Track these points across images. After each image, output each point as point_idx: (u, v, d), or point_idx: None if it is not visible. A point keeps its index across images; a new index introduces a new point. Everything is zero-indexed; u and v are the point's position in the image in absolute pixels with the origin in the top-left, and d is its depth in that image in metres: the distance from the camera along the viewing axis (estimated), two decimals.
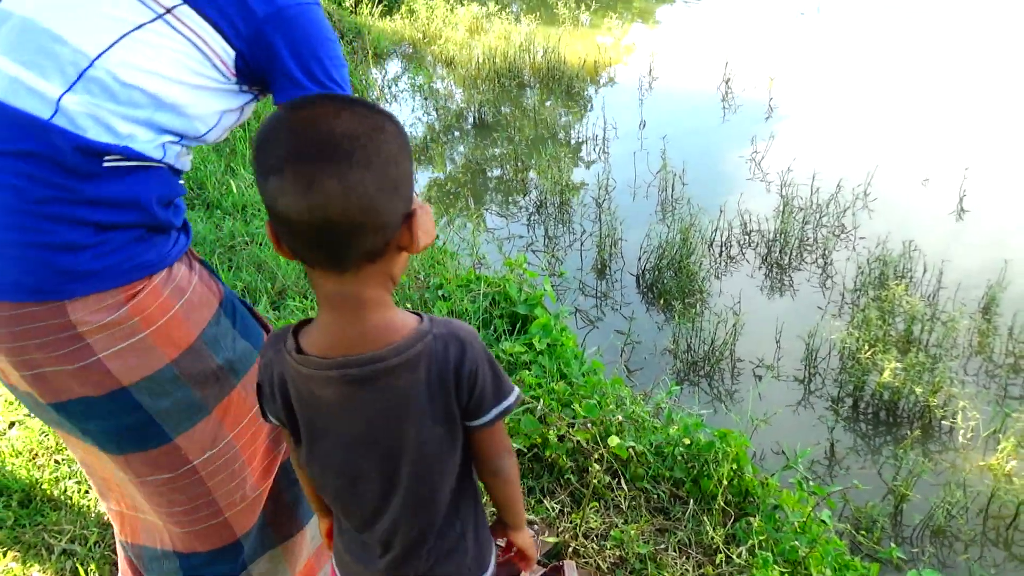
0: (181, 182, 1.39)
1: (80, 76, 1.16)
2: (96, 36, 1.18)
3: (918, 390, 3.66)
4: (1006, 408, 3.61)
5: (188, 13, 1.21)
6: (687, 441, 2.35)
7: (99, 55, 1.17)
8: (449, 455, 1.12)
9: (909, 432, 3.60)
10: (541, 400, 2.48)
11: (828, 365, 4.05)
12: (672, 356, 4.14)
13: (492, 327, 2.93)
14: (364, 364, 1.03)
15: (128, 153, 1.20)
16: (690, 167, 5.72)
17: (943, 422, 3.65)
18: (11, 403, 2.63)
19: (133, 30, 1.19)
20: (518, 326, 2.95)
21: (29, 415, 2.56)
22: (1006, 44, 8.25)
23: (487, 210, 5.60)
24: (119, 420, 1.30)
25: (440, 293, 3.15)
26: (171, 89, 1.22)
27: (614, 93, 7.32)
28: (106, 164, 1.18)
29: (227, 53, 1.25)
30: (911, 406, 3.72)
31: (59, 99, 1.15)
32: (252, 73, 1.29)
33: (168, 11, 1.20)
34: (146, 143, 1.23)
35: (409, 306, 3.24)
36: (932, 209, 5.32)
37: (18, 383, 1.29)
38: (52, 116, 1.15)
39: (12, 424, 2.55)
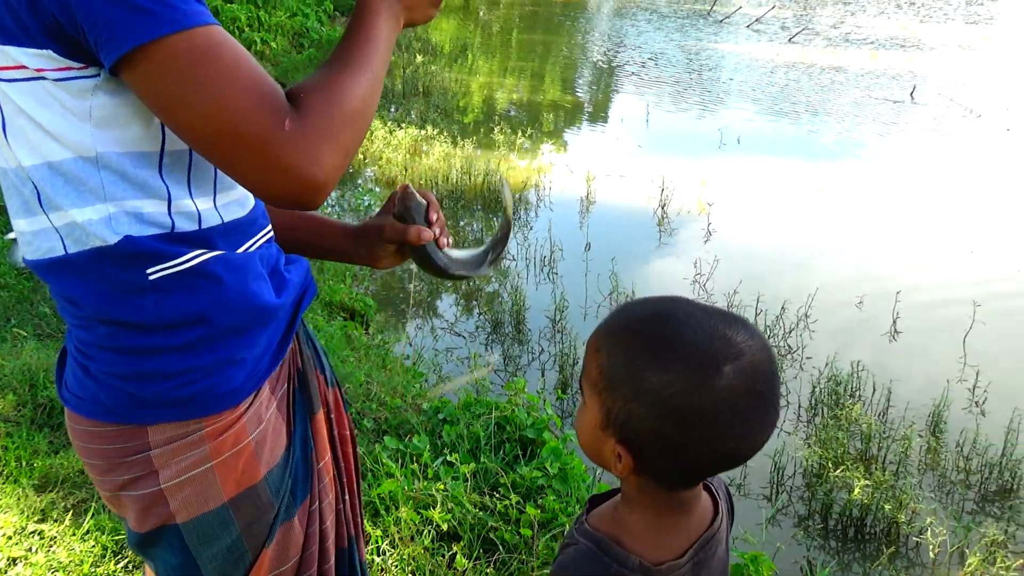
0: (263, 237, 1.20)
1: (38, 194, 1.02)
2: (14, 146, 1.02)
3: (887, 507, 3.81)
4: (969, 524, 3.79)
5: None
6: None
7: (19, 161, 1.02)
8: None
9: (883, 549, 3.73)
10: (566, 525, 2.52)
11: (794, 483, 4.19)
12: None
13: (502, 451, 2.97)
14: (706, 543, 1.05)
15: (138, 246, 1.03)
16: (638, 288, 5.94)
17: (911, 538, 3.80)
18: (9, 537, 2.51)
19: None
20: (528, 450, 2.99)
21: (32, 551, 2.45)
22: (922, 167, 8.94)
23: (444, 330, 5.66)
24: (166, 561, 1.18)
25: (441, 416, 3.18)
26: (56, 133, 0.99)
27: (556, 216, 7.56)
28: (152, 276, 1.04)
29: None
30: (878, 523, 3.87)
31: (52, 225, 1.03)
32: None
33: None
34: (129, 216, 1.03)
35: (409, 429, 3.24)
36: (868, 330, 5.63)
37: (108, 504, 1.21)
38: (64, 245, 1.04)
39: (14, 560, 2.42)
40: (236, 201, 1.15)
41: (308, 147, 0.93)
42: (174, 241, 1.06)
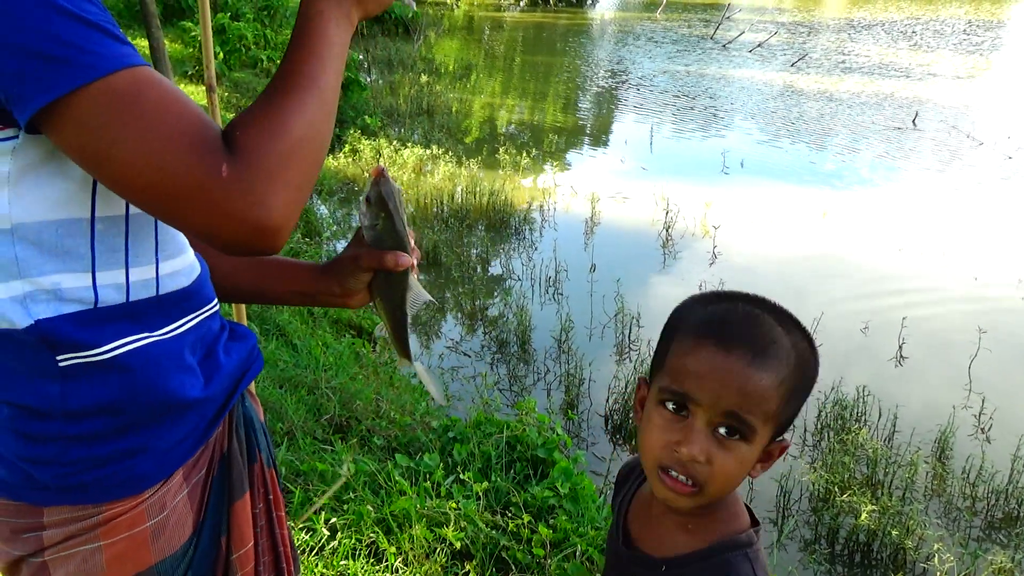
0: (204, 313, 1.12)
1: None
2: None
3: (894, 532, 3.80)
4: (976, 550, 3.78)
5: None
6: None
7: None
8: None
9: (890, 575, 3.72)
10: (578, 546, 2.52)
11: (800, 507, 4.18)
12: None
13: (513, 471, 2.96)
14: None
15: (50, 332, 0.95)
16: (643, 310, 5.94)
17: (917, 564, 3.79)
18: None
19: None
20: (538, 470, 2.99)
21: None
22: (925, 193, 8.98)
23: (449, 348, 5.66)
24: None
25: (451, 435, 3.18)
26: None
27: (561, 237, 7.58)
28: (61, 363, 0.96)
29: None
30: (885, 548, 3.86)
31: None
32: None
33: None
34: (42, 299, 0.95)
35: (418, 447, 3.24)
36: (873, 356, 5.63)
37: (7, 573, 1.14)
38: None
39: None
40: (181, 271, 1.08)
41: (252, 190, 0.84)
42: (93, 321, 0.98)
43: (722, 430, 0.98)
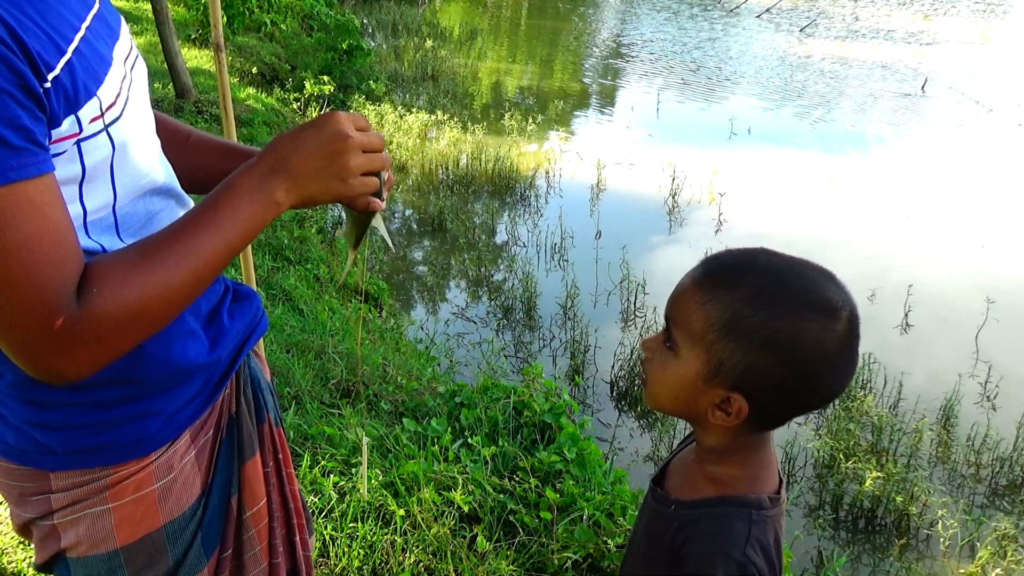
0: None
1: None
2: None
3: (898, 499, 3.82)
4: (980, 517, 3.80)
5: None
6: None
7: None
8: None
9: (894, 540, 3.74)
10: (585, 510, 2.53)
11: (805, 473, 4.20)
12: (654, 464, 4.23)
13: (520, 436, 2.97)
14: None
15: None
16: (649, 277, 5.93)
17: (921, 531, 3.81)
18: None
19: None
20: (545, 435, 3.00)
21: None
22: (933, 161, 8.93)
23: (454, 314, 5.66)
24: None
25: (458, 400, 3.19)
26: None
27: (567, 203, 7.55)
28: None
29: None
30: (889, 515, 3.88)
31: None
32: None
33: None
34: None
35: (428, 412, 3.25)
36: (879, 323, 5.62)
37: (18, 533, 1.17)
38: None
39: None
40: None
41: (70, 349, 0.84)
42: None
43: (667, 341, 1.05)
